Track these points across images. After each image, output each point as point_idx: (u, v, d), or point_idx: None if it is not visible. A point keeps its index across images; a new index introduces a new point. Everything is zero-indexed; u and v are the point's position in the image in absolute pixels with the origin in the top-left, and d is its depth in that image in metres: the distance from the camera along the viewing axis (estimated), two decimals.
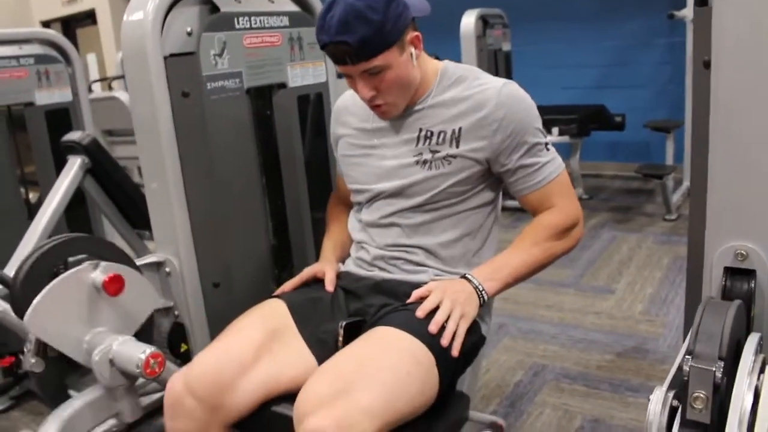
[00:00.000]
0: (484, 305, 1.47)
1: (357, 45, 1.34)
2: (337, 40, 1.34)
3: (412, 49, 1.44)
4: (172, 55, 1.59)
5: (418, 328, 1.32)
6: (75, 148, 2.21)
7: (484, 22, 4.60)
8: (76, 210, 2.35)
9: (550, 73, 5.91)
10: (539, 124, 1.49)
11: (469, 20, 4.42)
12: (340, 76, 1.61)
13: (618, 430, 2.23)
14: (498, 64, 4.81)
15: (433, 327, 1.33)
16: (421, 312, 1.35)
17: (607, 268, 3.75)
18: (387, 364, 1.26)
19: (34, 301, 1.42)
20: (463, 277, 1.44)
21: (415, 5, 1.43)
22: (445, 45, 4.52)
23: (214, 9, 1.65)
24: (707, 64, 1.11)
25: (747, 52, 1.02)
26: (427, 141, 1.50)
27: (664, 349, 2.76)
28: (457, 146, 1.47)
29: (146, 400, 1.66)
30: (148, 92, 1.58)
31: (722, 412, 0.90)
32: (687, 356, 0.85)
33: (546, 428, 2.27)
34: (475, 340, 1.48)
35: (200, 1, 1.65)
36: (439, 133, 1.49)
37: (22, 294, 1.44)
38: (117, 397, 1.54)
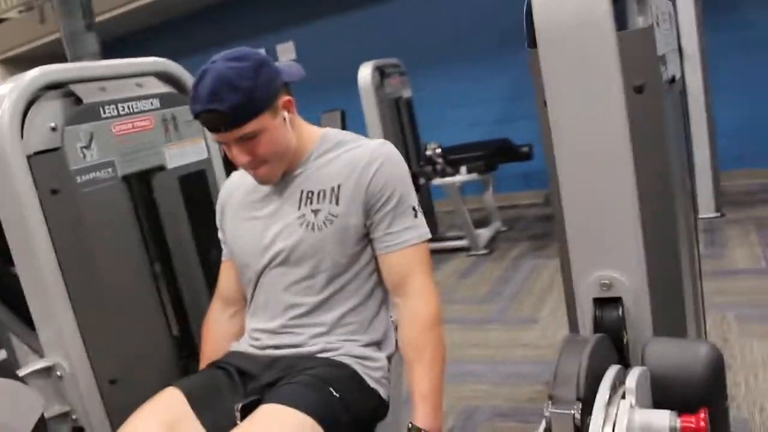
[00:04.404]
0: (381, 368, 1.47)
1: (228, 112, 1.34)
2: (209, 108, 1.35)
3: (285, 113, 1.45)
4: (36, 153, 1.54)
5: (304, 401, 1.30)
6: None
7: (381, 72, 4.68)
8: None
9: (454, 113, 6.04)
10: (411, 185, 1.49)
11: (365, 72, 4.49)
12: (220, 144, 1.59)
13: None
14: (401, 111, 4.87)
15: None
16: None
17: (530, 298, 3.80)
18: None
19: None
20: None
21: (288, 70, 1.45)
22: (349, 97, 4.58)
23: (78, 101, 1.62)
24: (545, 103, 1.15)
25: (573, 92, 1.06)
26: (309, 201, 1.49)
27: None
28: (337, 203, 1.46)
29: None
30: (14, 194, 1.51)
31: None
32: (548, 401, 0.85)
33: None
34: (372, 406, 1.46)
35: (62, 94, 1.62)
36: (320, 192, 1.48)
37: None
38: None
